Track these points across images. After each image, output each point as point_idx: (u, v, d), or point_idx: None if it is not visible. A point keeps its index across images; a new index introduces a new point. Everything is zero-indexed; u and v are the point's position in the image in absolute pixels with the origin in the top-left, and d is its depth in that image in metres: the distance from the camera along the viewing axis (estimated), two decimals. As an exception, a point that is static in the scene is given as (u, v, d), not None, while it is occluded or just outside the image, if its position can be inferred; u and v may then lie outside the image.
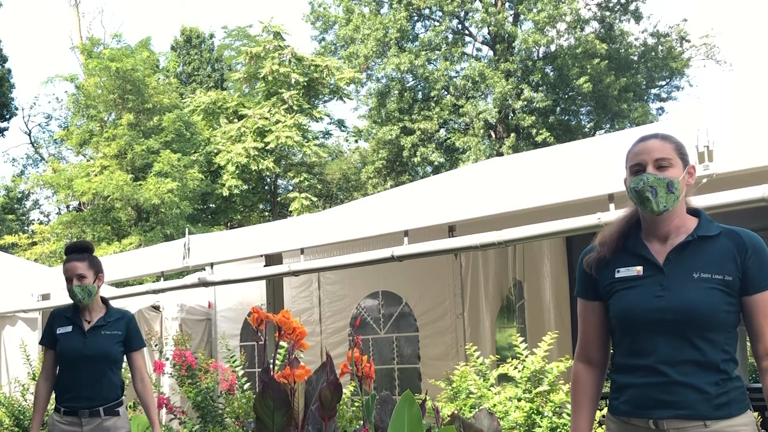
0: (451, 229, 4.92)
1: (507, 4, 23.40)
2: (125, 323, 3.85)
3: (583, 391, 2.41)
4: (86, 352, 3.72)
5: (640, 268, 2.26)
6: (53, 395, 3.91)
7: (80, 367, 3.72)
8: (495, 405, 4.58)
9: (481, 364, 5.04)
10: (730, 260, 2.20)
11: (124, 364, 3.95)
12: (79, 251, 3.83)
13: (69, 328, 3.78)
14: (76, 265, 3.76)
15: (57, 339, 3.78)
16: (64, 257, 3.84)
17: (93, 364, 3.72)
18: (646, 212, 2.26)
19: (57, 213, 25.12)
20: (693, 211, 2.32)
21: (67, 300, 3.88)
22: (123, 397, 3.88)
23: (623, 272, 2.29)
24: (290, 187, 22.22)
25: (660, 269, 2.24)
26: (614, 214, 3.80)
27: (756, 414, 2.43)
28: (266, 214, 23.53)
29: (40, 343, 3.97)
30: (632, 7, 23.61)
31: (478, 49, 24.62)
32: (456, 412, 3.61)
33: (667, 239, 2.27)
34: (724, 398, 2.16)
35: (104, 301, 3.92)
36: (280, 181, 22.91)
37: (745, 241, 2.22)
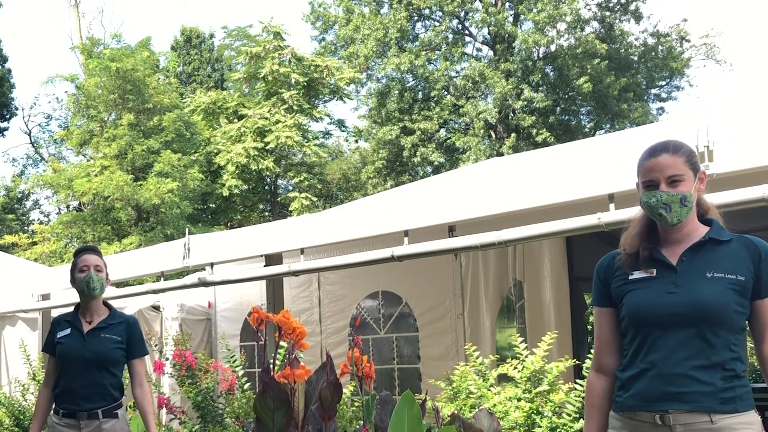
0: (451, 229, 4.92)
1: (507, 4, 23.38)
2: (127, 328, 3.82)
3: (594, 403, 2.46)
4: (84, 354, 3.69)
5: (653, 270, 2.33)
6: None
7: (78, 369, 3.70)
8: (495, 405, 4.58)
9: (480, 364, 5.04)
10: (743, 263, 2.27)
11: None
12: (93, 250, 3.91)
13: (68, 331, 3.77)
14: (94, 257, 3.83)
15: (57, 343, 3.76)
16: (75, 257, 3.87)
17: (91, 366, 3.69)
18: (660, 224, 2.33)
19: (57, 213, 25.13)
20: (707, 221, 2.38)
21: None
22: (122, 399, 3.85)
23: (637, 275, 2.35)
24: (290, 187, 22.22)
25: (673, 269, 2.30)
26: (614, 215, 3.82)
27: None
28: (266, 214, 23.52)
29: (42, 350, 3.97)
30: (632, 7, 23.61)
31: (478, 49, 24.65)
32: (456, 412, 3.60)
33: (680, 243, 2.34)
34: (730, 393, 2.20)
35: (106, 304, 3.92)
36: (280, 181, 22.91)
37: (758, 247, 2.29)
